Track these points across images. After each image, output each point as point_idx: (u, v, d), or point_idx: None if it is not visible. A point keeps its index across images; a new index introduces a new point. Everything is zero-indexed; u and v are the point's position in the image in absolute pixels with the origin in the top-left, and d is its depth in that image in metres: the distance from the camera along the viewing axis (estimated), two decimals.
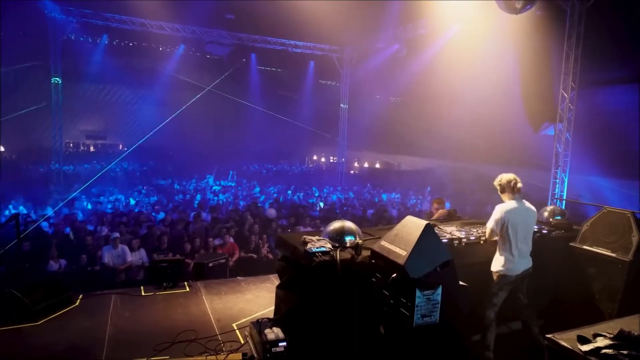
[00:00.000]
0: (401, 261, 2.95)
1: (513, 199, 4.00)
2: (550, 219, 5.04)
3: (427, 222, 3.18)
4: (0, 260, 7.12)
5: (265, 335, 3.64)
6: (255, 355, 3.78)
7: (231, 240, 8.49)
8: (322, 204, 13.39)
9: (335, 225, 4.02)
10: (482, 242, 4.23)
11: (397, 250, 3.07)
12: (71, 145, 24.00)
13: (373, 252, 3.37)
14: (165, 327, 4.58)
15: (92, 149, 25.48)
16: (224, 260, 6.98)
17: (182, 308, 5.14)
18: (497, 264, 4.01)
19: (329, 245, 3.73)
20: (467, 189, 15.74)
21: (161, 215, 10.99)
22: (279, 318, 4.08)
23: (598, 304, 4.27)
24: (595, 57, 9.11)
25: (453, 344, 3.12)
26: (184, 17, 14.64)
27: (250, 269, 7.76)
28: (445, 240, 3.93)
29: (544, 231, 4.69)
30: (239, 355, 3.91)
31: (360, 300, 3.43)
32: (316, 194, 16.15)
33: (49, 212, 10.87)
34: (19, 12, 13.88)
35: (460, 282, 3.20)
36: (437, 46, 13.82)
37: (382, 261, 3.21)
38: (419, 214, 9.17)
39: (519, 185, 4.00)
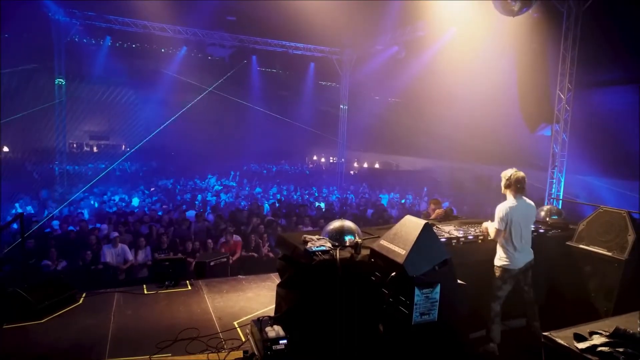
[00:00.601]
0: (400, 260, 2.95)
1: (515, 196, 4.02)
2: (547, 219, 5.04)
3: (425, 221, 3.18)
4: (5, 259, 7.13)
5: (266, 333, 3.64)
6: (256, 353, 3.78)
7: (233, 239, 8.49)
8: (322, 204, 13.38)
9: (335, 224, 4.02)
10: (480, 241, 4.23)
11: (396, 249, 3.07)
12: (75, 145, 23.99)
13: (372, 251, 3.37)
14: (167, 325, 4.58)
15: (95, 149, 25.47)
16: (225, 259, 6.99)
17: (184, 306, 5.14)
18: (500, 258, 4.05)
19: (329, 245, 3.73)
20: (465, 189, 15.74)
21: (161, 214, 10.99)
22: (280, 316, 4.07)
23: (594, 302, 4.27)
24: (591, 59, 9.12)
25: (451, 342, 3.12)
26: (185, 19, 14.64)
27: (251, 267, 7.77)
28: (443, 240, 3.93)
29: (541, 230, 4.70)
30: (240, 353, 3.91)
31: (359, 298, 3.43)
32: (315, 194, 16.15)
33: (53, 211, 10.88)
34: (23, 14, 13.88)
35: (459, 281, 3.20)
36: (435, 48, 13.82)
37: (382, 260, 3.20)
38: (417, 214, 9.17)
39: (525, 185, 4.04)
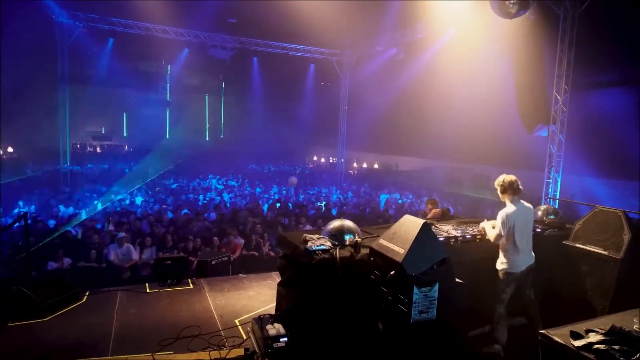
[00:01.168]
0: (399, 259, 2.95)
1: (513, 200, 4.01)
2: (544, 218, 5.05)
3: (424, 221, 3.19)
4: (10, 258, 7.13)
5: (267, 331, 3.65)
6: (257, 351, 3.78)
7: (235, 240, 8.49)
8: (322, 204, 13.37)
9: (335, 224, 4.02)
10: (477, 240, 4.23)
11: (395, 248, 3.07)
12: (78, 146, 23.98)
13: (372, 250, 3.37)
14: (170, 323, 4.58)
15: (98, 149, 25.47)
16: (226, 258, 6.99)
17: (185, 305, 5.15)
18: (503, 262, 4.04)
19: (329, 244, 3.73)
20: (463, 189, 15.75)
21: (167, 214, 10.98)
22: (280, 314, 4.08)
23: (590, 301, 4.27)
24: (587, 61, 9.13)
25: (450, 340, 3.12)
26: (187, 21, 14.65)
27: (252, 266, 7.77)
28: (442, 239, 3.93)
29: (538, 230, 4.69)
30: (241, 351, 3.91)
31: (359, 296, 3.43)
32: (315, 193, 16.15)
33: (57, 211, 10.88)
34: (27, 16, 13.90)
35: (457, 279, 3.20)
36: (433, 50, 13.84)
37: (381, 259, 3.21)
38: (416, 214, 9.18)
39: (520, 186, 4.03)
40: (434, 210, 5.91)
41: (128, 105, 25.86)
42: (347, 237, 3.86)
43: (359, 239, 3.79)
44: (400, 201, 14.58)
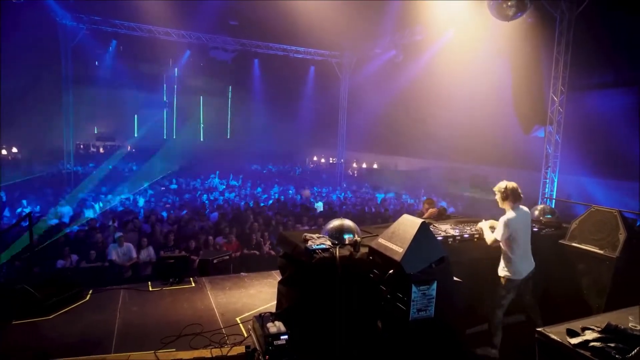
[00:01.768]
0: (398, 258, 2.95)
1: (513, 207, 3.92)
2: (541, 218, 5.04)
3: (422, 220, 3.18)
4: (14, 257, 7.13)
5: (268, 329, 3.64)
6: (258, 348, 3.78)
7: (234, 239, 8.50)
8: (321, 204, 13.37)
9: (335, 223, 4.02)
10: (475, 239, 4.23)
11: (394, 247, 3.07)
12: (82, 146, 23.99)
13: (371, 249, 3.37)
14: (172, 321, 4.58)
15: (101, 150, 25.47)
16: (227, 257, 6.99)
17: (187, 303, 5.14)
18: (504, 269, 4.00)
19: (329, 243, 3.73)
20: (461, 189, 15.75)
21: (165, 213, 10.99)
22: (281, 312, 4.07)
23: (586, 299, 4.27)
24: (583, 63, 9.14)
25: (448, 337, 3.12)
26: (189, 23, 14.65)
27: (253, 265, 7.77)
28: (440, 238, 3.93)
29: (535, 229, 4.69)
30: (242, 348, 3.90)
31: (358, 295, 3.43)
32: (316, 194, 16.15)
33: (61, 210, 10.87)
34: (31, 19, 13.89)
35: (455, 278, 3.20)
36: (432, 52, 13.84)
37: (380, 258, 3.21)
38: (413, 213, 9.17)
39: (522, 195, 3.97)
40: (430, 210, 5.93)
41: (131, 105, 25.84)
42: (346, 237, 3.85)
43: (359, 238, 3.78)
44: (395, 200, 14.59)
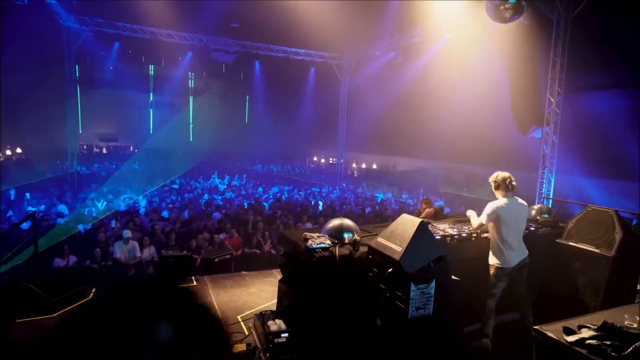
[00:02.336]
0: (397, 257, 2.95)
1: (505, 196, 4.03)
2: (538, 217, 5.04)
3: (421, 219, 3.18)
4: (18, 256, 7.12)
5: (268, 327, 3.64)
6: (259, 346, 3.78)
7: (236, 236, 8.50)
8: (318, 203, 13.36)
9: (335, 222, 4.02)
10: (473, 238, 4.23)
11: (393, 246, 3.07)
12: (85, 147, 24.00)
13: (370, 248, 3.37)
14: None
15: (104, 150, 25.49)
16: (229, 256, 6.99)
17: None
18: (494, 257, 4.05)
19: (329, 242, 3.73)
20: (459, 189, 15.75)
21: (165, 213, 10.98)
22: (281, 310, 4.07)
23: (583, 297, 4.27)
24: (580, 64, 9.13)
25: (446, 335, 3.12)
26: (191, 26, 14.66)
27: (254, 264, 7.76)
28: (438, 237, 3.93)
29: (532, 228, 4.69)
30: (243, 346, 3.90)
31: (358, 293, 3.43)
32: (316, 193, 16.14)
33: (64, 210, 10.86)
34: (35, 21, 13.90)
35: (453, 277, 3.20)
36: (430, 53, 13.84)
37: (379, 257, 3.20)
38: (412, 213, 9.15)
39: (514, 183, 4.05)
40: (427, 210, 5.92)
41: (133, 106, 25.86)
42: (346, 236, 3.85)
43: (358, 238, 3.78)
44: (394, 200, 14.59)
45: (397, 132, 19.06)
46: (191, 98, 27.44)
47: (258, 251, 8.53)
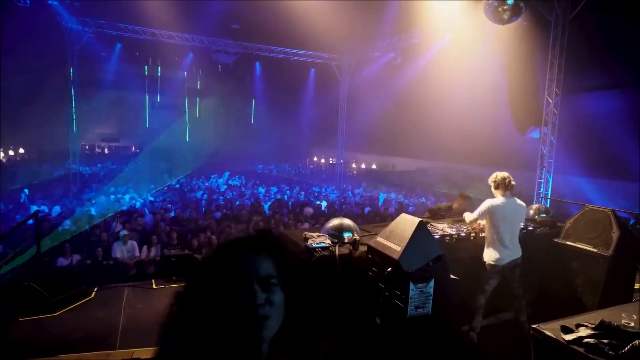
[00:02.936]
0: (396, 256, 2.95)
1: (504, 195, 4.06)
2: (536, 217, 5.05)
3: (420, 219, 3.19)
4: (20, 255, 7.13)
5: None
6: None
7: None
8: (321, 203, 13.37)
9: (334, 222, 4.02)
10: (472, 238, 4.24)
11: (392, 245, 3.07)
12: (87, 147, 23.99)
13: (370, 247, 3.37)
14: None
15: (106, 150, 25.48)
16: None
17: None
18: (487, 255, 4.09)
19: (329, 241, 3.73)
20: (458, 189, 15.74)
21: (172, 213, 10.98)
22: None
23: (580, 296, 4.27)
24: (577, 65, 9.13)
25: (445, 334, 3.12)
26: (192, 27, 14.65)
27: None
28: (437, 237, 3.93)
29: (530, 228, 4.70)
30: None
31: (357, 292, 3.43)
32: (316, 193, 16.14)
33: (58, 211, 10.86)
34: (38, 23, 13.90)
35: (452, 276, 3.20)
36: (429, 54, 13.84)
37: (378, 256, 3.21)
38: (412, 213, 9.17)
39: (513, 183, 4.09)
40: (461, 204, 5.72)
41: (135, 107, 25.86)
42: (346, 235, 3.85)
43: (358, 237, 3.78)
44: (394, 200, 14.59)
45: (396, 133, 19.07)
46: (192, 99, 27.43)
47: None
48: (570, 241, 4.49)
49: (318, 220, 10.00)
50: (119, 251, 7.57)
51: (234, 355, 0.84)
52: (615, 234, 4.11)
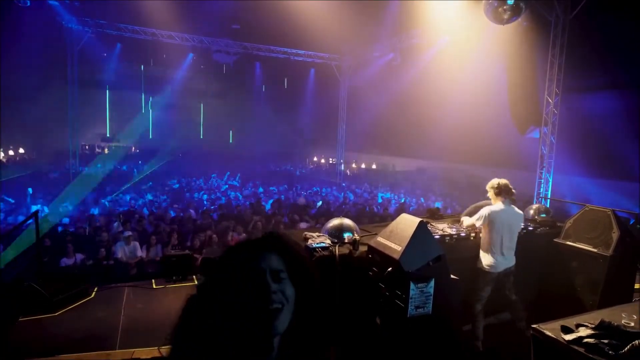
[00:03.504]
0: (396, 256, 2.95)
1: (504, 202, 4.03)
2: (536, 217, 5.04)
3: (420, 219, 3.18)
4: (21, 255, 7.13)
5: None
6: None
7: (236, 235, 8.49)
8: (317, 202, 13.36)
9: (335, 222, 4.02)
10: (472, 238, 4.23)
11: (393, 245, 3.07)
12: (87, 147, 23.98)
13: (370, 247, 3.37)
14: (175, 318, 4.57)
15: (106, 151, 25.45)
16: None
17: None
18: (482, 261, 4.07)
19: (329, 241, 3.72)
20: (457, 189, 15.75)
21: (172, 213, 10.98)
22: None
23: (580, 296, 4.27)
24: (577, 65, 9.15)
25: (445, 334, 3.12)
26: (192, 27, 14.66)
27: None
28: (437, 237, 3.93)
29: (530, 228, 4.69)
30: None
31: (357, 292, 3.43)
32: (316, 193, 16.13)
33: (66, 210, 10.87)
34: (38, 23, 13.90)
35: (452, 276, 3.20)
36: (429, 54, 13.84)
37: (379, 256, 3.21)
38: (413, 212, 9.16)
39: (514, 190, 4.06)
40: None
41: (135, 107, 25.84)
42: (346, 235, 3.85)
43: (358, 237, 3.78)
44: (394, 200, 14.59)
45: (396, 133, 19.06)
46: (192, 99, 27.39)
47: None
48: (570, 241, 4.49)
49: (318, 220, 9.99)
50: (121, 251, 7.57)
51: (248, 350, 0.91)
52: (615, 234, 4.11)
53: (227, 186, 16.84)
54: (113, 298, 5.09)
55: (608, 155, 11.01)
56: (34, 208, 10.13)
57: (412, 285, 2.86)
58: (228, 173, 18.91)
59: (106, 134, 25.40)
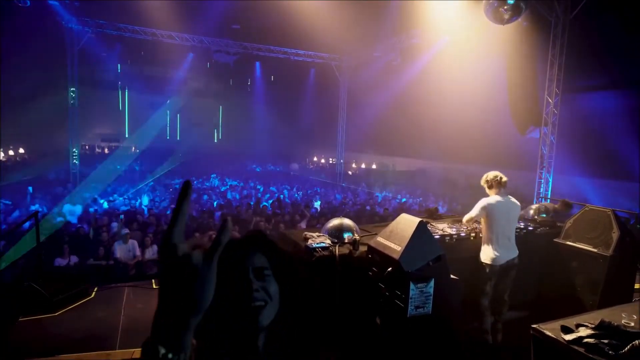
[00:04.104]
0: (396, 256, 2.95)
1: (498, 194, 4.06)
2: (536, 217, 5.05)
3: (420, 219, 3.18)
4: (21, 255, 7.13)
5: None
6: None
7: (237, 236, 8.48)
8: (317, 203, 13.36)
9: (334, 222, 4.02)
10: (472, 238, 4.23)
11: (393, 245, 3.07)
12: (87, 147, 23.98)
13: (370, 247, 3.37)
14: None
15: (106, 151, 25.45)
16: None
17: None
18: (484, 254, 4.07)
19: (329, 241, 3.73)
20: (457, 188, 15.75)
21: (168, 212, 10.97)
22: None
23: (580, 296, 4.27)
24: (577, 65, 9.15)
25: (445, 334, 3.12)
26: (192, 27, 14.66)
27: None
28: (437, 237, 3.93)
29: (530, 228, 4.70)
30: None
31: (357, 292, 3.43)
32: (316, 193, 16.13)
33: (66, 210, 10.86)
34: (38, 23, 13.90)
35: (452, 276, 3.20)
36: (429, 54, 13.84)
37: (378, 256, 3.21)
38: (413, 212, 9.13)
39: (504, 179, 4.08)
40: (560, 207, 5.79)
41: (135, 107, 25.85)
42: (346, 235, 3.85)
43: (358, 237, 3.78)
44: (394, 200, 14.58)
45: (396, 133, 19.07)
46: (192, 99, 27.40)
47: None
48: (570, 241, 4.49)
49: (318, 220, 9.99)
50: (120, 251, 7.56)
51: (234, 346, 0.93)
52: (615, 234, 4.11)
53: (227, 186, 16.83)
54: (113, 298, 5.09)
55: (608, 155, 11.01)
56: (33, 208, 10.14)
57: (412, 285, 2.86)
58: (227, 179, 18.90)
59: (106, 133, 25.43)
